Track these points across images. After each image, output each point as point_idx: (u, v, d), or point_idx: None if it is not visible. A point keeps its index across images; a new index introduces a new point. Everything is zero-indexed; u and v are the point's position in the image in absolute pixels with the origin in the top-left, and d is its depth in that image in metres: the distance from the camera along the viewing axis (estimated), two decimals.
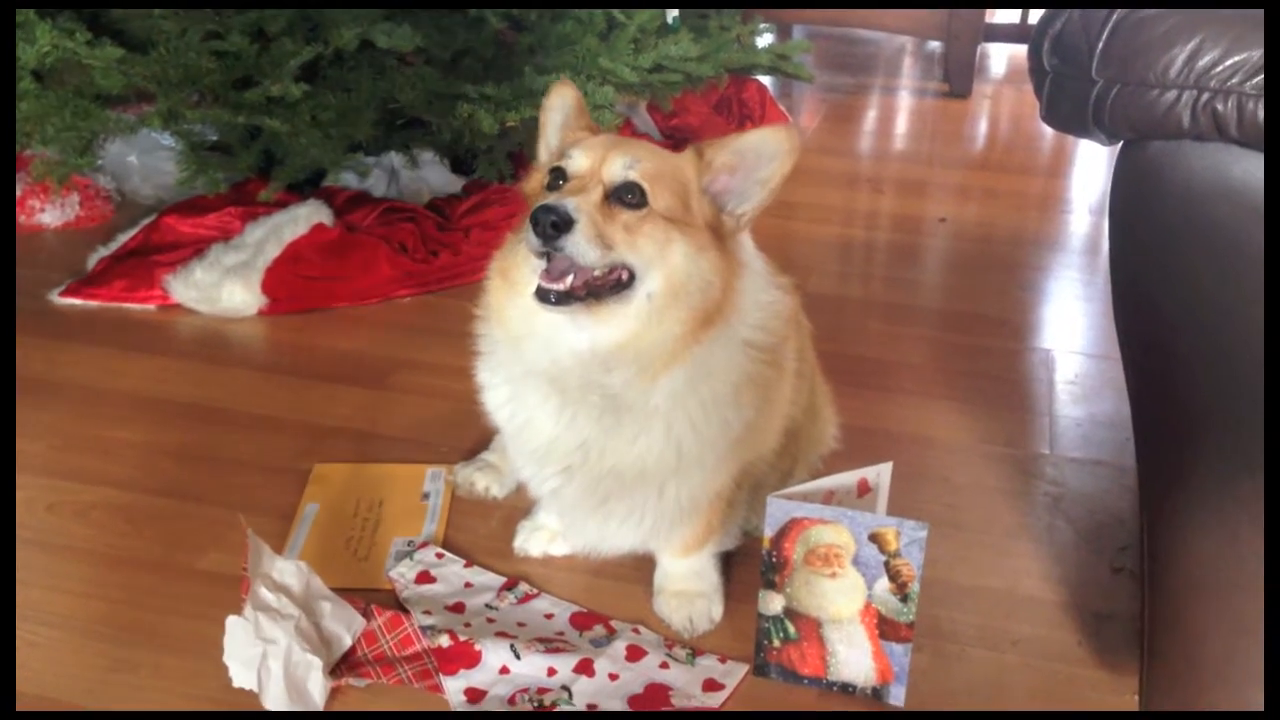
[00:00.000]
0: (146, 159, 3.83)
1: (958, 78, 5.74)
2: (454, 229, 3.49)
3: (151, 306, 3.14)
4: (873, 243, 3.98)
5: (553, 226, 1.62)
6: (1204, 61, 1.34)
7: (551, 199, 1.66)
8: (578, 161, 1.73)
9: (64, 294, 3.16)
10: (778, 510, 1.80)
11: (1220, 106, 1.34)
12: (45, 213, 3.62)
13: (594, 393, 1.80)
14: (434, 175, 3.80)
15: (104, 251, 3.33)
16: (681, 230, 1.72)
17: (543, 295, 1.68)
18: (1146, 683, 1.73)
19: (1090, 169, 4.89)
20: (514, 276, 1.81)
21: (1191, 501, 1.57)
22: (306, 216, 3.25)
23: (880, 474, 1.92)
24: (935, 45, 6.48)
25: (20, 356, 2.82)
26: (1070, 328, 3.33)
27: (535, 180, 1.84)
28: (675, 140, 4.52)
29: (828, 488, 1.88)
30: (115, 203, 3.78)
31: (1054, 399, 2.85)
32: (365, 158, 3.65)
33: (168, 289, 3.12)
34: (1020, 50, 6.62)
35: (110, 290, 3.15)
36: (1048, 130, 5.38)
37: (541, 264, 1.69)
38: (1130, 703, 1.85)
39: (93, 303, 3.15)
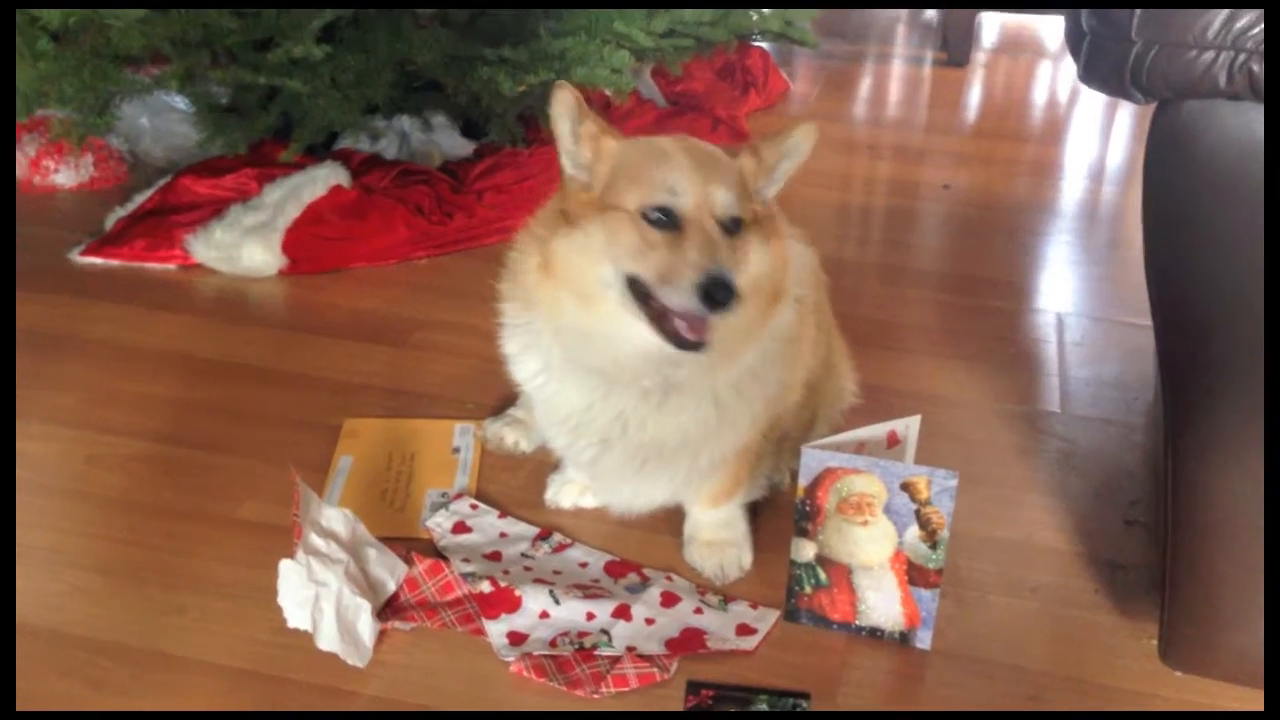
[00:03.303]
0: (158, 121, 3.84)
1: (956, 46, 5.78)
2: (467, 192, 3.52)
3: (172, 266, 3.17)
4: (873, 208, 4.04)
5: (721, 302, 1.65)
6: (1241, 23, 1.39)
7: (712, 268, 1.65)
8: (684, 200, 1.72)
9: (84, 253, 3.18)
10: (812, 460, 1.86)
11: (1256, 67, 1.40)
12: (60, 173, 3.63)
13: (648, 380, 1.84)
14: (445, 139, 3.82)
15: (121, 212, 3.34)
16: (753, 231, 1.80)
17: (690, 346, 1.71)
18: (1167, 624, 1.80)
19: (1086, 136, 4.95)
20: (579, 287, 1.78)
21: (1213, 443, 1.64)
22: (324, 178, 3.27)
23: (909, 426, 1.98)
24: (933, 13, 6.52)
25: (43, 314, 2.85)
26: (1073, 291, 3.40)
27: (583, 199, 1.80)
28: (680, 107, 4.56)
29: (859, 439, 1.94)
30: (129, 164, 3.79)
31: (1064, 360, 2.91)
32: (379, 120, 3.67)
33: (188, 249, 3.14)
34: (1016, 19, 6.71)
35: (131, 249, 3.18)
36: (1044, 98, 5.52)
37: (620, 280, 1.74)
38: (1148, 648, 1.92)
39: (113, 262, 3.17)
